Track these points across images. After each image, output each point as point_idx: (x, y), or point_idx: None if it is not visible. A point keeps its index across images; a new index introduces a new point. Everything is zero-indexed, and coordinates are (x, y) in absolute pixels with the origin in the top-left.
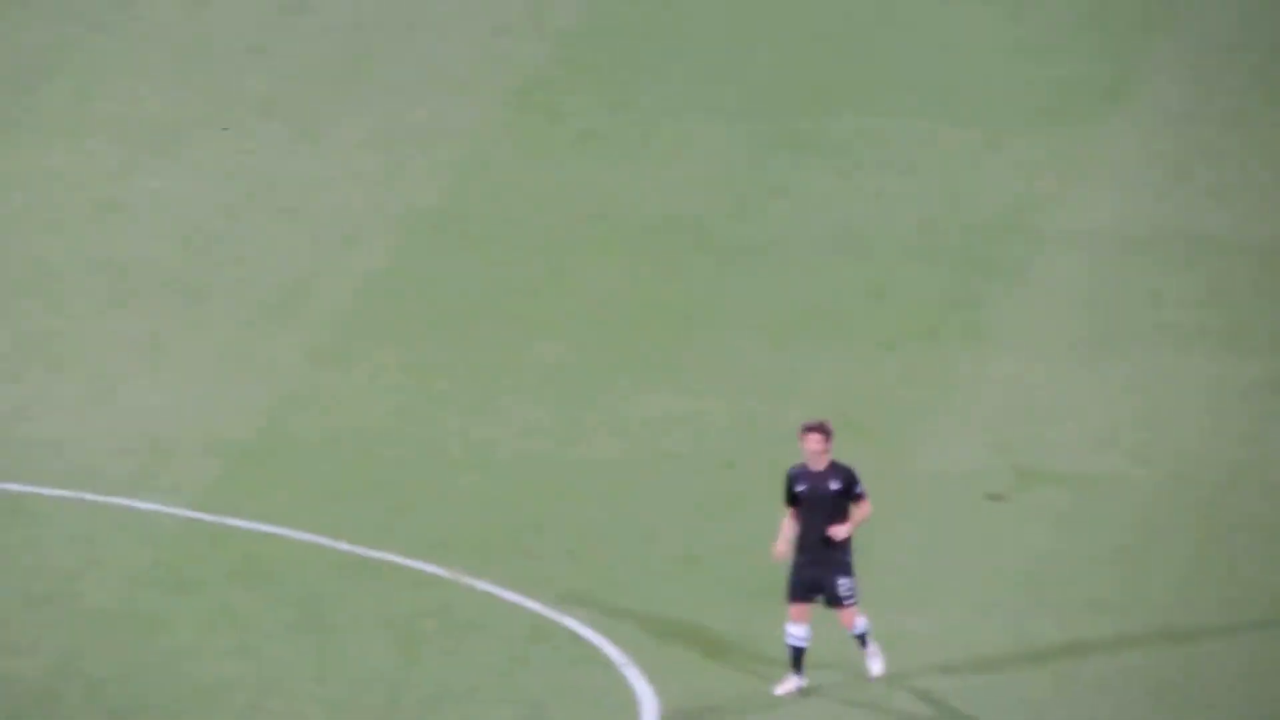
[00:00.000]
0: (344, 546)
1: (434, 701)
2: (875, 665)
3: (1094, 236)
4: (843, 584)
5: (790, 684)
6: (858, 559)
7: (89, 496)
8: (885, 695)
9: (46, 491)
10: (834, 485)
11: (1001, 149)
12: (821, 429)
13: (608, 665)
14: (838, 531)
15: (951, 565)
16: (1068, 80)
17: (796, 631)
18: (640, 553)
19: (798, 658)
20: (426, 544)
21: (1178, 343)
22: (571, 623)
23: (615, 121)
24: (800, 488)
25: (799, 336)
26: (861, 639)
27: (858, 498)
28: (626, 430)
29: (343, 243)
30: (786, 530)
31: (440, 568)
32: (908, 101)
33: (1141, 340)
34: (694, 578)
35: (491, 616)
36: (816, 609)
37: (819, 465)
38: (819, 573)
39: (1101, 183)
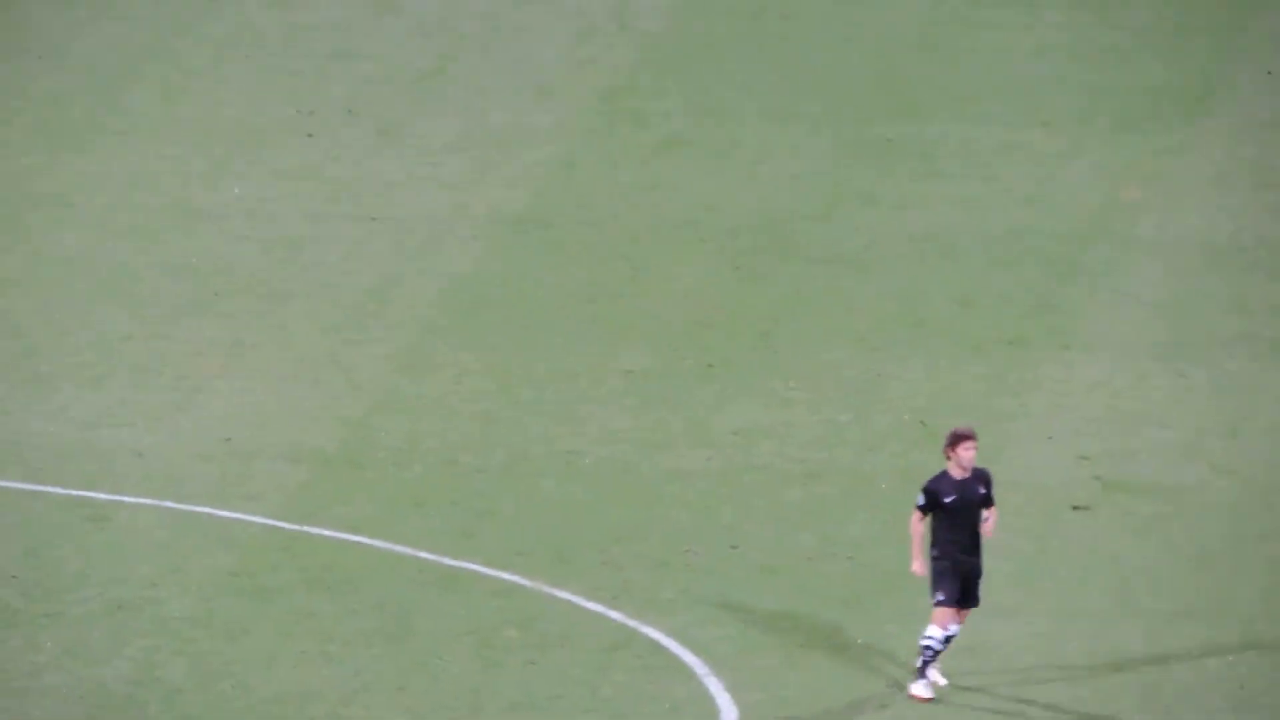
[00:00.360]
0: (425, 555)
1: (515, 710)
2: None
3: (1179, 244)
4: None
5: (939, 681)
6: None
7: (170, 504)
8: (971, 701)
9: (128, 499)
10: (981, 490)
11: (1087, 155)
12: (974, 436)
13: (689, 675)
14: (989, 529)
15: (1036, 574)
16: (1154, 87)
17: (953, 630)
18: (723, 563)
19: (935, 656)
20: (509, 553)
21: (1262, 351)
22: (653, 632)
23: (701, 126)
24: (950, 498)
25: (885, 343)
26: (947, 640)
27: (990, 501)
28: (711, 439)
29: (426, 247)
30: (919, 541)
31: (523, 577)
32: (994, 107)
33: (1226, 348)
34: (776, 588)
35: (574, 626)
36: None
37: (964, 473)
38: (971, 576)
39: (1187, 190)
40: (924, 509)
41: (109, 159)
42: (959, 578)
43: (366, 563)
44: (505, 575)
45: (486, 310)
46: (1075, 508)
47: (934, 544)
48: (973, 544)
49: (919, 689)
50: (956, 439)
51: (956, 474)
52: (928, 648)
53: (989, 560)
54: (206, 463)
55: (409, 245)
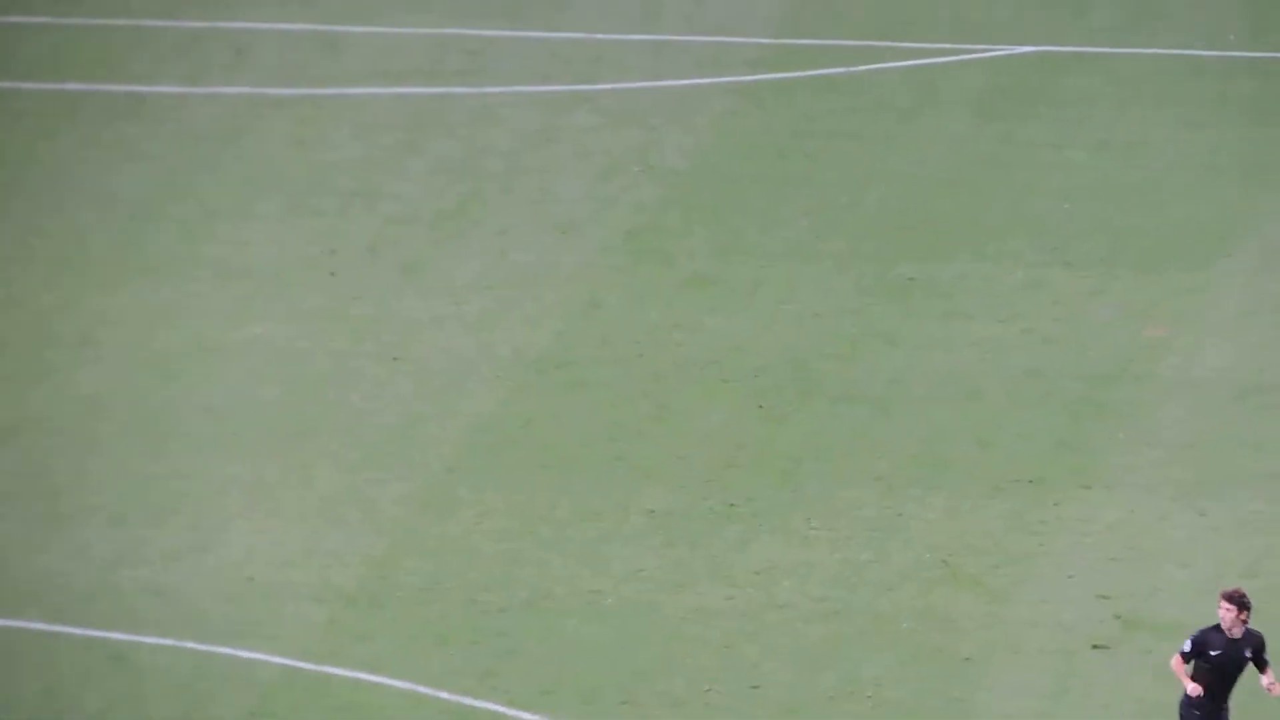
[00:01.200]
0: (446, 695)
1: None
2: None
3: (1201, 383)
4: None
5: None
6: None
7: (190, 645)
8: None
9: (147, 639)
10: (1247, 653)
11: (1110, 294)
12: (1244, 601)
13: None
14: (1275, 688)
15: (1058, 714)
16: (1178, 225)
17: None
18: (745, 702)
19: None
20: (531, 692)
21: None
22: None
23: (725, 265)
24: (1215, 652)
25: (905, 482)
26: None
27: (1264, 664)
28: (733, 578)
29: (449, 387)
30: (1183, 674)
31: (546, 717)
32: (1017, 246)
33: (1248, 487)
34: None
35: None
36: None
37: (1236, 633)
38: None
39: (1210, 328)
40: (1186, 656)
41: (131, 297)
42: None
43: (388, 702)
44: (527, 715)
45: (509, 449)
46: (1095, 647)
47: (1187, 696)
48: (1223, 701)
49: None
50: (1227, 599)
51: (1228, 632)
52: None
53: (1007, 700)
54: (227, 602)
55: (431, 385)
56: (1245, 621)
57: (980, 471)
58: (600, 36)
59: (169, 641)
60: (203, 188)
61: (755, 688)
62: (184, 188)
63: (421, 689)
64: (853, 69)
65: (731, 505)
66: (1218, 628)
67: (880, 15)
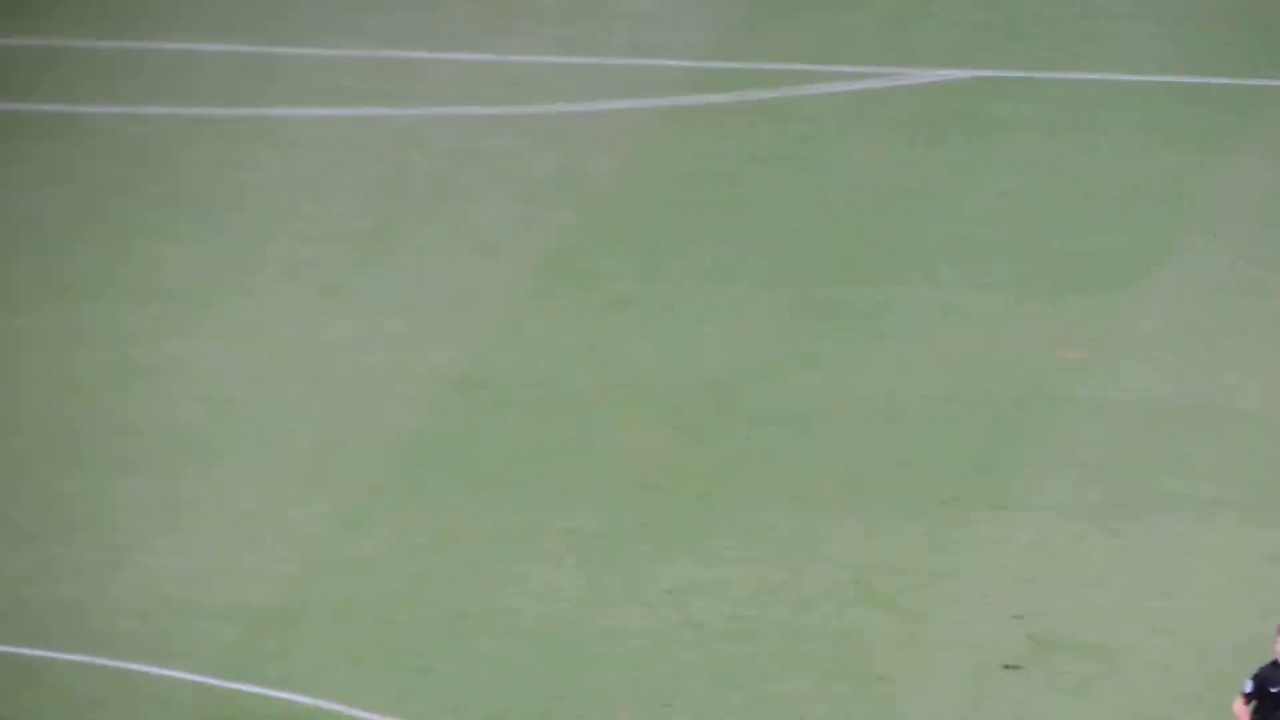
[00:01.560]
0: (358, 713)
1: None
2: None
3: (1118, 405)
4: None
5: None
6: None
7: (102, 662)
8: None
9: (60, 656)
10: None
11: (1028, 317)
12: None
13: None
14: None
15: None
16: (1098, 250)
17: None
18: None
19: None
20: (442, 711)
21: (1200, 513)
22: None
23: (645, 287)
24: (1276, 688)
25: (822, 503)
26: None
27: None
28: (648, 598)
29: (368, 406)
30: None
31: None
32: (938, 269)
33: (1164, 510)
34: None
35: None
36: None
37: None
38: None
39: (1127, 352)
40: (1249, 696)
41: (48, 317)
42: None
43: None
44: None
45: (427, 469)
46: (1008, 667)
47: None
48: None
49: None
50: (1277, 632)
51: None
52: None
53: None
54: (140, 620)
55: (350, 405)
56: None
57: (897, 492)
58: (524, 59)
59: (81, 658)
60: (123, 208)
61: (668, 706)
62: (104, 208)
63: (334, 706)
64: (779, 93)
65: (647, 525)
66: (1275, 664)
67: (809, 38)
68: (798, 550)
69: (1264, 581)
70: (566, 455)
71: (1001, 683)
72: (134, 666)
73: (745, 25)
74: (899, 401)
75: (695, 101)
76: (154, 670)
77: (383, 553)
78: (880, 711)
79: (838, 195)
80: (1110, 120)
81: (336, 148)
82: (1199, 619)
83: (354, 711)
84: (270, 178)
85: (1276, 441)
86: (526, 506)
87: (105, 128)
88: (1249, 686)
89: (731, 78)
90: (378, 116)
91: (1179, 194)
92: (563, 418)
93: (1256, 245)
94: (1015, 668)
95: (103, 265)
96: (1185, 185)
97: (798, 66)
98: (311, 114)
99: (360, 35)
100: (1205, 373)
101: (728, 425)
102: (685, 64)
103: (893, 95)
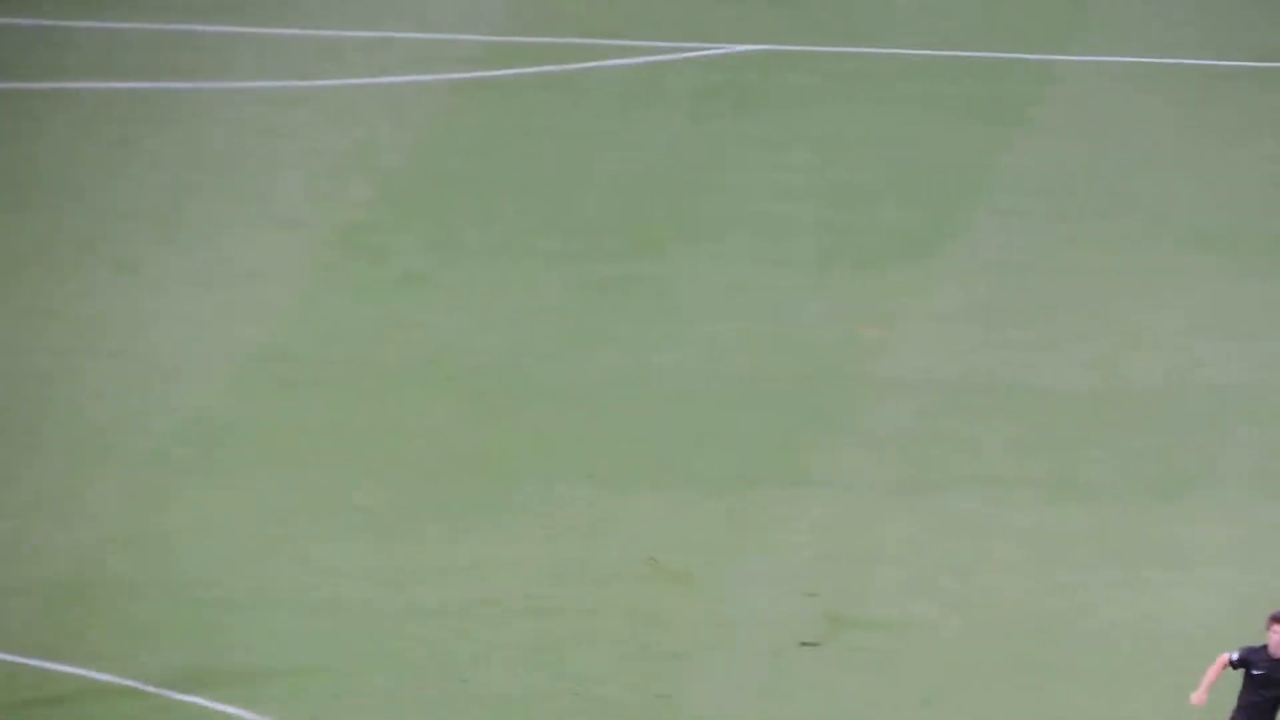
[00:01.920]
0: (153, 689)
1: None
2: None
3: (914, 383)
4: None
5: None
6: None
7: None
8: None
9: None
10: None
11: (823, 294)
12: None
13: None
14: None
15: (761, 712)
16: (892, 226)
17: None
18: (456, 698)
19: None
20: (238, 687)
21: (996, 491)
22: None
23: (440, 263)
24: (1258, 671)
25: (619, 481)
26: None
27: None
28: (446, 575)
29: (166, 382)
30: (1212, 679)
31: (252, 712)
32: (732, 244)
33: (958, 488)
34: None
35: None
36: None
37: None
38: None
39: (923, 329)
40: (1234, 664)
41: None
42: None
43: (94, 696)
44: (233, 709)
45: (227, 446)
46: (804, 644)
47: (1237, 704)
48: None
49: None
50: (1269, 621)
51: (1274, 652)
52: None
53: (714, 698)
54: None
55: (149, 380)
56: None
57: (693, 470)
58: (320, 33)
59: None
60: None
61: (464, 682)
62: None
63: (130, 683)
64: (570, 67)
65: (445, 502)
66: (1265, 647)
67: (602, 13)
68: (595, 528)
69: (1060, 561)
70: (365, 432)
71: (798, 660)
72: None
73: (535, 1)
74: (694, 379)
75: (487, 76)
76: None
77: (181, 529)
78: (675, 689)
79: (631, 170)
80: (902, 95)
81: (131, 122)
82: (995, 597)
83: (149, 689)
84: (64, 152)
85: (1072, 420)
86: (324, 484)
87: None
88: (1234, 655)
89: (522, 52)
90: (172, 90)
91: (972, 169)
92: (361, 394)
93: (1051, 222)
94: (812, 645)
95: None
96: (978, 161)
97: (589, 41)
98: (104, 87)
99: (154, 9)
100: (1001, 350)
101: (524, 402)
102: (477, 38)
103: (683, 68)
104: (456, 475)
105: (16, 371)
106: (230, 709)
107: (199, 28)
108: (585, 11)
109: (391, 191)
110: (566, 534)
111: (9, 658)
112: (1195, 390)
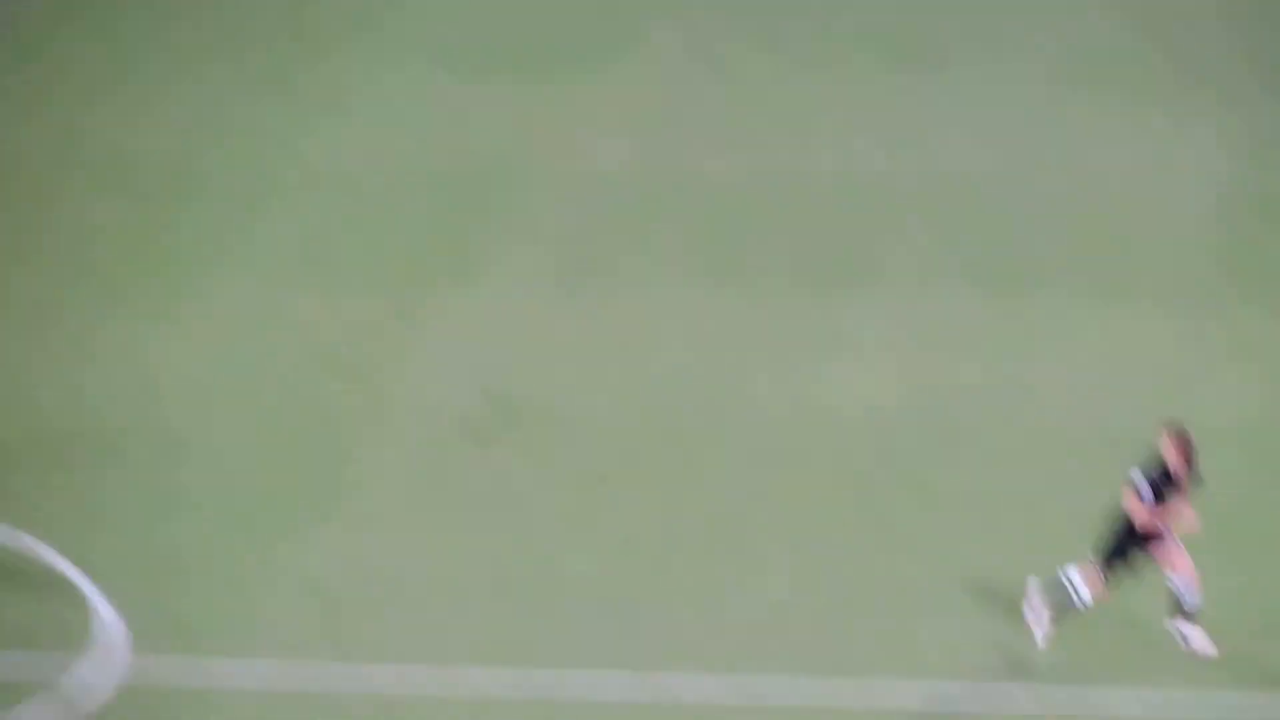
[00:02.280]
0: None
1: None
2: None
3: (583, 179)
4: None
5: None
6: None
7: None
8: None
9: None
10: None
11: (494, 99)
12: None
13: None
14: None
15: (434, 503)
16: (559, 33)
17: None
18: (117, 481)
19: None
20: None
21: (666, 279)
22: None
23: (113, 66)
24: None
25: (284, 278)
26: None
27: None
28: (99, 361)
29: None
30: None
31: None
32: (406, 52)
33: (629, 278)
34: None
35: None
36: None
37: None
38: None
39: (592, 129)
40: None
41: None
42: None
43: None
44: None
45: None
46: (474, 438)
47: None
48: None
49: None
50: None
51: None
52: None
53: (386, 489)
54: None
55: None
56: None
57: (362, 267)
58: None
59: None
60: None
61: (124, 471)
62: None
63: None
64: None
65: (116, 299)
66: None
67: None
68: (261, 325)
69: (726, 346)
70: (28, 228)
71: (468, 453)
72: None
73: None
74: (360, 176)
75: None
76: None
77: None
78: (348, 483)
79: None
80: None
81: None
82: (660, 385)
83: None
84: None
85: (740, 210)
86: None
87: None
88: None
89: None
90: None
91: None
92: (29, 194)
93: (719, 24)
94: (481, 436)
95: None
96: None
97: None
98: None
99: None
100: (669, 146)
101: (190, 201)
102: None
103: None
104: (126, 272)
105: None
106: None
107: None
108: None
109: None
110: (234, 331)
111: None
112: (864, 182)
